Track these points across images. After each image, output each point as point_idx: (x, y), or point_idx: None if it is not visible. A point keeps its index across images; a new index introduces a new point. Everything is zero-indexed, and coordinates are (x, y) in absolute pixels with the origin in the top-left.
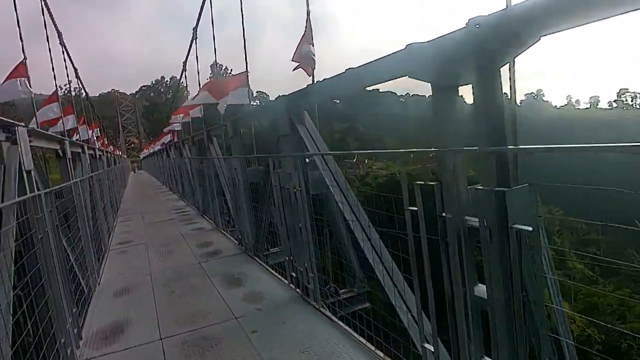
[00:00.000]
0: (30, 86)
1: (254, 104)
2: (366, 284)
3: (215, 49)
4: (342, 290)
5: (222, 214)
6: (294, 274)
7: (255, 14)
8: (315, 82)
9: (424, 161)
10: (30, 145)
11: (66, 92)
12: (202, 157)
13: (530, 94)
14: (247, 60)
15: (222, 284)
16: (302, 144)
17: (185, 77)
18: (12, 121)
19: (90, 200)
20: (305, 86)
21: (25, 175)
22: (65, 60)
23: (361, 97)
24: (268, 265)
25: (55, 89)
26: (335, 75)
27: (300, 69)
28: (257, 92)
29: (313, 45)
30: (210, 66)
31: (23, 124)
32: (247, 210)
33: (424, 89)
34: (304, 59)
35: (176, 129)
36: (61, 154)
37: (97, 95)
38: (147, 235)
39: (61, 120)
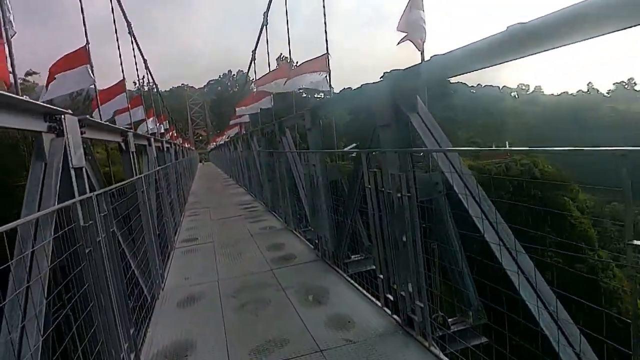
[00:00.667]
0: (93, 74)
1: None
2: (483, 314)
3: (288, 38)
4: (451, 320)
5: (294, 212)
6: (390, 297)
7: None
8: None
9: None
10: (86, 138)
11: (138, 86)
12: (273, 150)
13: (620, 82)
14: (327, 40)
15: (299, 300)
16: (412, 137)
17: (255, 65)
18: (56, 108)
19: (156, 195)
20: (417, 64)
21: (73, 173)
22: (134, 51)
23: (433, 87)
24: (348, 274)
25: (122, 78)
26: (452, 51)
27: (408, 40)
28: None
29: (424, 11)
30: (277, 59)
31: (71, 112)
32: (327, 213)
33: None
34: (413, 27)
35: (244, 121)
36: (124, 147)
37: (168, 89)
38: (214, 233)
39: (128, 112)
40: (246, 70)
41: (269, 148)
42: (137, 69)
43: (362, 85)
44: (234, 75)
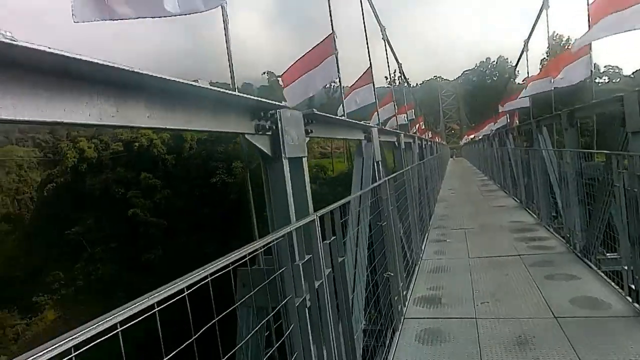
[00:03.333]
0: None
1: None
2: None
3: None
4: None
5: (548, 209)
6: (632, 286)
7: None
8: None
9: None
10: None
11: (389, 82)
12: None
13: None
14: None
15: (541, 278)
16: None
17: (527, 56)
18: (369, 124)
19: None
20: None
21: (375, 165)
22: (387, 54)
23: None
24: (601, 270)
25: (391, 92)
26: None
27: None
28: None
29: None
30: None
31: (375, 125)
32: (579, 209)
33: None
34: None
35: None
36: (397, 144)
37: (420, 82)
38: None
39: (395, 118)
40: (507, 56)
41: (526, 146)
42: (387, 65)
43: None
44: (493, 62)
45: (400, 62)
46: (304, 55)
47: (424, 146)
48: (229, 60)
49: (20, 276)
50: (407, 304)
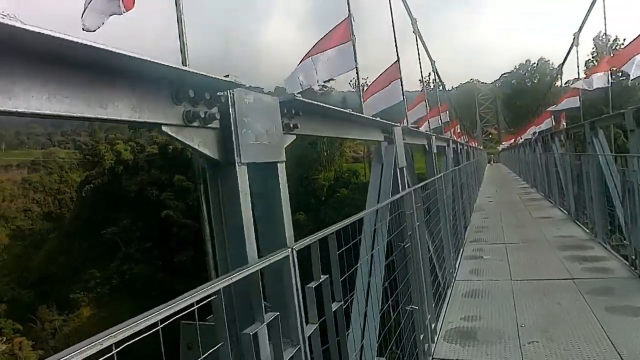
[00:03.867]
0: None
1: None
2: None
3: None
4: None
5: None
6: None
7: None
8: None
9: None
10: (406, 143)
11: (423, 85)
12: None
13: None
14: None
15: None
16: None
17: (577, 51)
18: (390, 122)
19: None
20: None
21: (398, 172)
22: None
23: None
24: None
25: (422, 89)
26: None
27: None
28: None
29: None
30: (593, 39)
31: (399, 124)
32: None
33: None
34: None
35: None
36: (427, 148)
37: (456, 86)
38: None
39: (426, 122)
40: (550, 59)
41: (576, 150)
42: (419, 63)
43: None
44: (533, 64)
45: (433, 59)
46: (318, 41)
47: (459, 150)
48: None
49: (59, 273)
50: (436, 339)
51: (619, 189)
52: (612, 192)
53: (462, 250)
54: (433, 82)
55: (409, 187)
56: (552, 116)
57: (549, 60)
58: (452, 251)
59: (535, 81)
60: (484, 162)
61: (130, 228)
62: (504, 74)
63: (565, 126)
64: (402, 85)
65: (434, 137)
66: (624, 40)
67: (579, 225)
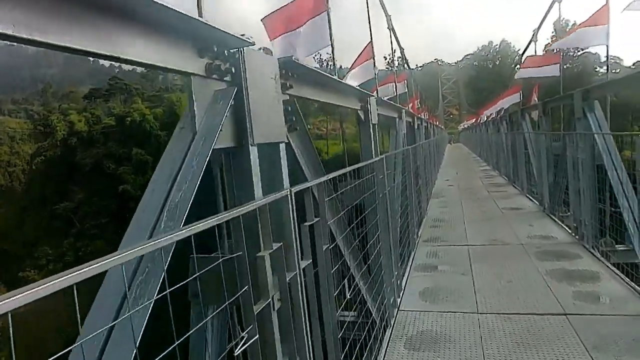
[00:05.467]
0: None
1: None
2: None
3: None
4: None
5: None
6: None
7: None
8: None
9: None
10: None
11: (388, 61)
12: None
13: None
14: None
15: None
16: None
17: (535, 42)
18: (366, 91)
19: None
20: None
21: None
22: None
23: None
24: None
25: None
26: None
27: None
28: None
29: None
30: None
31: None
32: (589, 197)
33: None
34: None
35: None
36: (361, 116)
37: (420, 66)
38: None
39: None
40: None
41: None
42: (391, 42)
43: None
44: (496, 46)
45: (399, 40)
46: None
47: (416, 126)
48: None
49: (11, 250)
50: None
51: (624, 181)
52: (614, 184)
53: (412, 255)
54: (398, 61)
55: None
56: (521, 91)
57: (510, 43)
58: (393, 266)
59: (498, 63)
60: (444, 142)
61: (85, 203)
62: (467, 55)
63: (536, 101)
64: (374, 64)
65: (371, 100)
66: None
67: (555, 221)
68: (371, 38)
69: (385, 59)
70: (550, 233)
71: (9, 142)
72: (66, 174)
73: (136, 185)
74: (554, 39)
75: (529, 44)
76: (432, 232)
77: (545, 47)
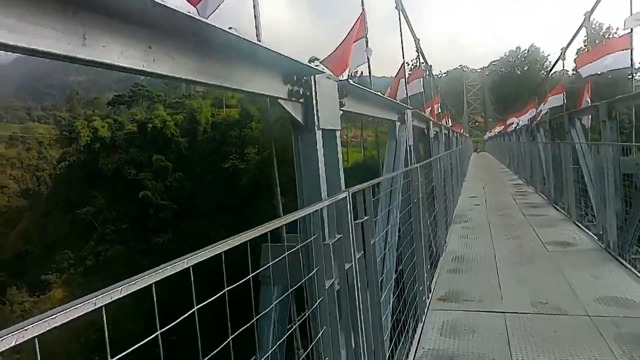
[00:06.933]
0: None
1: None
2: None
3: None
4: None
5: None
6: None
7: None
8: None
9: None
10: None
11: (410, 68)
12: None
13: None
14: None
15: None
16: None
17: (563, 61)
18: (403, 104)
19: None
20: None
21: (409, 149)
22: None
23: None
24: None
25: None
26: None
27: None
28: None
29: None
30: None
31: (411, 107)
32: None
33: None
34: None
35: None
36: (426, 131)
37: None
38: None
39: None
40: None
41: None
42: (402, 50)
43: None
44: (524, 51)
45: (418, 38)
46: (340, 43)
47: (431, 134)
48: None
49: (33, 252)
50: None
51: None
52: (586, 176)
53: (420, 330)
54: (416, 60)
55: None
56: (564, 92)
57: (539, 48)
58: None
59: (526, 69)
60: (469, 151)
61: (106, 208)
62: (493, 61)
63: (589, 103)
64: (367, 43)
65: (432, 122)
66: (617, 29)
67: (630, 270)
68: (363, 7)
69: (408, 65)
70: (626, 293)
71: (37, 147)
72: (89, 179)
73: (156, 191)
74: (586, 45)
75: (557, 61)
76: (450, 281)
77: (577, 52)
